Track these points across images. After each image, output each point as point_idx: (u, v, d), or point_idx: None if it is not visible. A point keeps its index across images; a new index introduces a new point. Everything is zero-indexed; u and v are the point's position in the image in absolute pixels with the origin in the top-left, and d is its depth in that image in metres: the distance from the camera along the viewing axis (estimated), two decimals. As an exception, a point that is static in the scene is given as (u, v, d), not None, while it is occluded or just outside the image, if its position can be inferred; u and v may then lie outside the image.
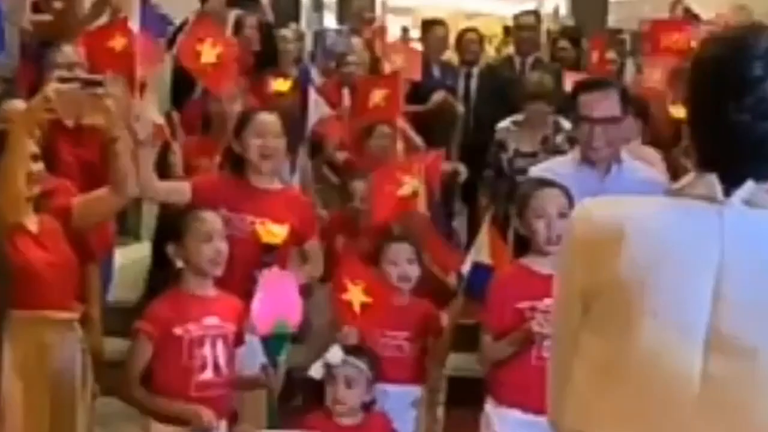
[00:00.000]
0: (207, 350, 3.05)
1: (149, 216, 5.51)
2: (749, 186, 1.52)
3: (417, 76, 5.53)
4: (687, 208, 1.55)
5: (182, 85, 5.35)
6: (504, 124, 5.28)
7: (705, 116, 1.56)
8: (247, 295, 3.21)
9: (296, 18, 11.75)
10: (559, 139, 5.06)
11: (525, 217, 3.21)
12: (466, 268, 3.81)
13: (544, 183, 3.27)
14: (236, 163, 3.65)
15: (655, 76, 5.40)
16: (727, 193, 1.53)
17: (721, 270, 1.50)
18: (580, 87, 3.64)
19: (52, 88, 2.85)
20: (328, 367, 3.18)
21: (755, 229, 1.53)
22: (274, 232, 3.39)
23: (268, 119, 3.64)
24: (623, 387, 1.53)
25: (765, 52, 1.52)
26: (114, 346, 3.57)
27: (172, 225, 3.22)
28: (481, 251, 3.75)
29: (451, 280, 4.01)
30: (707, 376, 1.50)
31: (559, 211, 3.14)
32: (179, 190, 3.54)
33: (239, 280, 3.25)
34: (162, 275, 3.31)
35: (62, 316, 3.00)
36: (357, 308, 3.38)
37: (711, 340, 1.50)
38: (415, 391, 3.59)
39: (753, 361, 1.49)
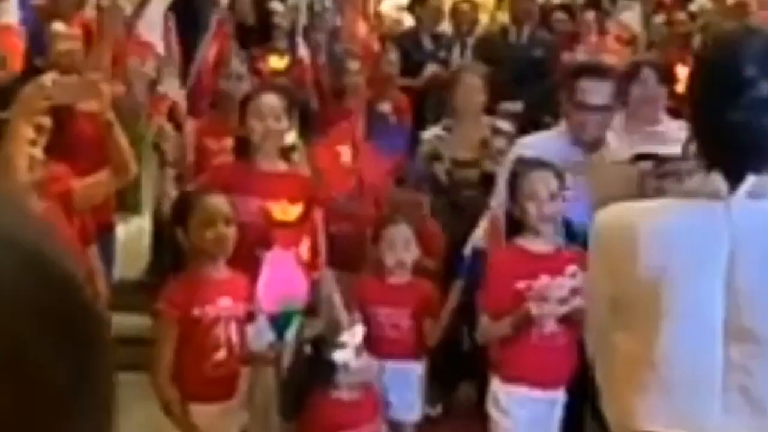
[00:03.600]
0: (221, 331, 3.09)
1: (147, 190, 5.52)
2: (751, 180, 1.60)
3: None
4: (695, 208, 1.64)
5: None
6: (432, 132, 4.77)
7: (705, 116, 1.66)
8: (254, 278, 3.24)
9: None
10: (501, 142, 4.45)
11: (517, 198, 3.24)
12: (467, 251, 3.83)
13: (535, 164, 3.30)
14: (242, 146, 3.68)
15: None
16: (732, 188, 1.61)
17: (731, 262, 1.60)
18: (581, 71, 3.68)
19: (48, 76, 2.86)
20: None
21: (761, 220, 1.63)
22: (288, 210, 3.43)
23: (268, 102, 3.65)
24: (653, 380, 1.64)
25: (757, 54, 1.61)
26: (122, 321, 3.61)
27: (179, 209, 3.25)
28: (481, 237, 3.78)
29: (430, 262, 4.01)
30: (728, 364, 1.60)
31: (550, 191, 3.18)
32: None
33: (246, 263, 3.27)
34: (165, 251, 3.33)
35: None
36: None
37: (729, 330, 1.60)
38: (415, 367, 3.64)
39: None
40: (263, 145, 3.61)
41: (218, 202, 3.17)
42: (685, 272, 1.62)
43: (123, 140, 3.05)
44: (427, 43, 6.53)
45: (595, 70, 3.67)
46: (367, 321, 3.44)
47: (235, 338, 3.13)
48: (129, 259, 5.05)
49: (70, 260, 0.60)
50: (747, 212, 1.61)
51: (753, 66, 1.60)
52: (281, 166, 3.72)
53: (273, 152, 3.66)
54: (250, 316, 3.24)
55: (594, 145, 3.55)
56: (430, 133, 4.76)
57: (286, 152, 3.87)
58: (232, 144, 3.91)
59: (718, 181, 1.62)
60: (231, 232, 3.14)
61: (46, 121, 2.94)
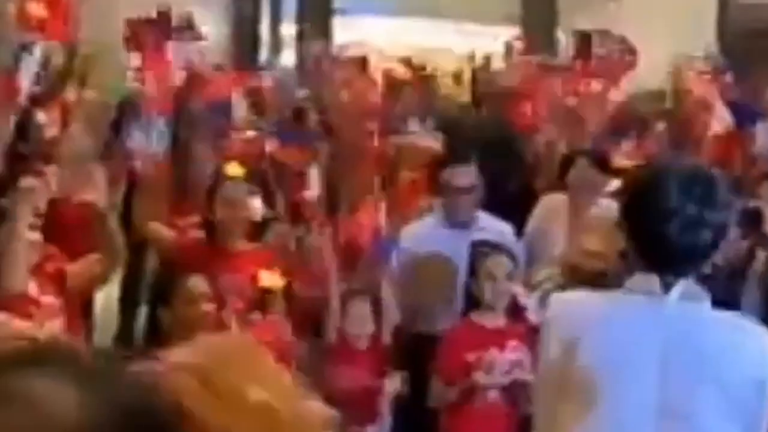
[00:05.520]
0: None
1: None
2: (683, 283, 1.87)
3: None
4: (634, 305, 1.90)
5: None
6: None
7: (639, 234, 1.92)
8: None
9: (255, 57, 12.15)
10: None
11: (477, 277, 3.64)
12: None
13: (493, 248, 3.73)
14: (209, 226, 3.99)
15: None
16: (667, 288, 1.87)
17: (664, 356, 1.85)
18: (441, 161, 4.27)
19: (51, 170, 3.19)
20: None
21: (691, 320, 1.88)
22: (274, 278, 3.73)
23: (234, 190, 3.97)
24: None
25: (680, 183, 1.85)
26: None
27: (161, 288, 3.53)
28: None
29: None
30: None
31: (505, 273, 3.61)
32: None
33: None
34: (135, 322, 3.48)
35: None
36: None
37: (661, 411, 1.84)
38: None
39: (694, 425, 1.86)
40: (232, 231, 3.91)
41: (199, 283, 3.46)
42: (624, 363, 1.85)
43: (114, 228, 3.36)
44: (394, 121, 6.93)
45: (459, 158, 4.21)
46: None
47: None
48: (99, 329, 5.26)
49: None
50: (678, 312, 1.85)
51: (676, 196, 1.83)
52: (247, 245, 4.00)
53: (240, 236, 3.96)
54: None
55: (466, 224, 4.03)
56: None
57: (256, 230, 4.20)
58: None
59: (654, 281, 1.86)
60: (211, 310, 3.44)
61: (44, 207, 3.27)
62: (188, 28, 5.90)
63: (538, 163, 5.95)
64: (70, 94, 5.32)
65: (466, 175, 4.07)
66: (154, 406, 0.87)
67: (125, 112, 5.98)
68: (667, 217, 1.82)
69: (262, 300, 3.73)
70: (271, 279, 3.75)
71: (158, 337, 3.48)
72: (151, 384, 0.92)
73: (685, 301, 1.86)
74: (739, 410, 1.84)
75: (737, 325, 1.95)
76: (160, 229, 4.31)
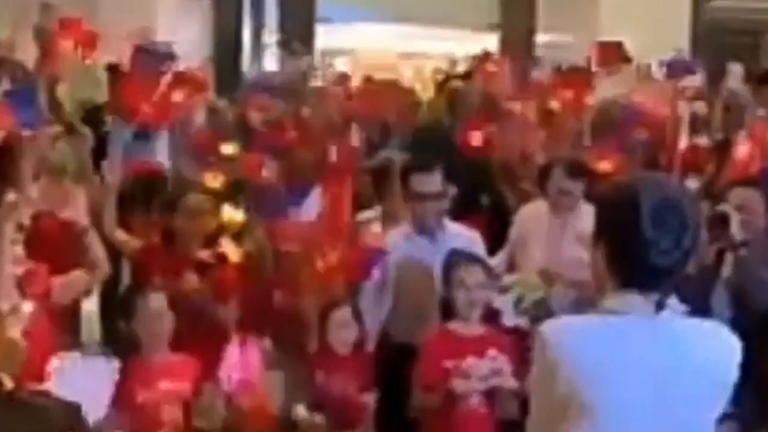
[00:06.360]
0: (166, 413, 3.40)
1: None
2: (668, 301, 1.97)
3: None
4: (620, 325, 1.97)
5: None
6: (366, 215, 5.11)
7: (615, 258, 2.00)
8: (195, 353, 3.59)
9: (237, 65, 12.22)
10: None
11: (451, 286, 3.72)
12: None
13: (465, 258, 3.81)
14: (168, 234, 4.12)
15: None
16: (649, 303, 1.95)
17: (657, 374, 1.94)
18: (409, 167, 4.29)
19: (33, 187, 3.26)
20: None
21: (680, 336, 1.97)
22: (234, 249, 3.89)
23: (197, 201, 4.13)
24: None
25: (654, 216, 1.95)
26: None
27: (125, 305, 3.63)
28: None
29: None
30: None
31: (478, 283, 3.68)
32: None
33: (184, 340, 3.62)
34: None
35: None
36: None
37: (658, 420, 1.94)
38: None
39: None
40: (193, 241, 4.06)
41: (158, 301, 3.54)
42: (618, 383, 1.93)
43: (97, 243, 3.45)
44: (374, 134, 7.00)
45: (421, 165, 4.25)
46: None
47: (180, 418, 3.44)
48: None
49: None
50: (671, 327, 1.96)
51: (652, 230, 1.91)
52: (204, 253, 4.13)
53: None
54: (196, 392, 3.54)
55: (434, 231, 4.12)
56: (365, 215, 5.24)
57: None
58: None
59: (638, 300, 1.96)
60: (168, 327, 3.52)
61: (26, 222, 3.34)
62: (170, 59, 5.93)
63: (511, 176, 6.04)
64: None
65: (431, 182, 4.13)
66: None
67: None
68: (643, 248, 1.94)
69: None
70: (230, 248, 3.86)
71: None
72: None
73: (667, 314, 1.99)
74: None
75: (714, 330, 2.07)
76: (125, 237, 4.34)
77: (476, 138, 6.19)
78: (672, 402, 1.96)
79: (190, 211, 4.08)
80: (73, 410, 2.68)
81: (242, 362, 3.82)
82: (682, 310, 2.04)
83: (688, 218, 1.96)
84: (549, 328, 2.04)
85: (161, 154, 5.90)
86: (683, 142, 6.14)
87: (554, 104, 6.85)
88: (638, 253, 1.94)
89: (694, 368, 1.97)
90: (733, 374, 2.01)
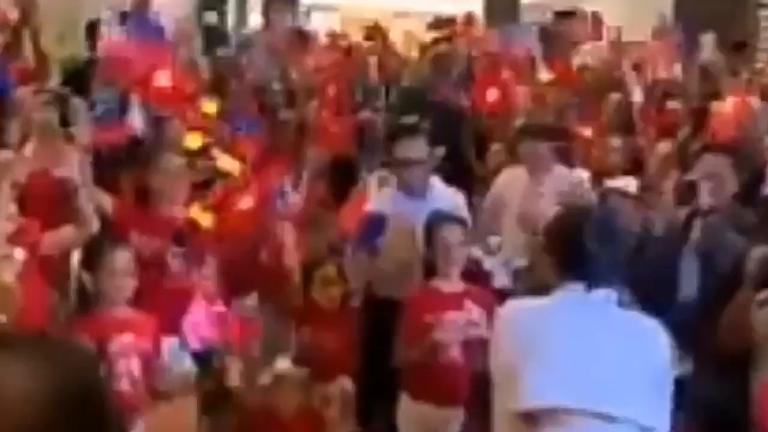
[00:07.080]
0: (123, 365, 3.41)
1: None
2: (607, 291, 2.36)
3: None
4: (561, 304, 2.37)
5: None
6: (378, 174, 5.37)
7: (565, 261, 2.41)
8: (157, 311, 3.62)
9: (222, 23, 12.18)
10: None
11: (432, 245, 3.86)
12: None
13: (446, 218, 3.95)
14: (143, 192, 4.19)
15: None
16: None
17: (592, 349, 2.27)
18: (394, 133, 4.48)
19: (29, 147, 3.36)
20: None
21: (616, 319, 2.35)
22: (205, 215, 4.00)
23: (171, 161, 4.22)
24: None
25: (596, 236, 2.39)
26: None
27: (88, 257, 3.65)
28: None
29: None
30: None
31: (458, 241, 3.84)
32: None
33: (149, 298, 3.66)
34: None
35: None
36: None
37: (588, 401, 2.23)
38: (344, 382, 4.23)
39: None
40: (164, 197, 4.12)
41: (123, 253, 3.54)
42: (550, 353, 2.25)
43: (86, 202, 3.55)
44: (359, 94, 7.09)
45: (405, 130, 4.38)
46: None
47: (137, 372, 3.45)
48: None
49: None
50: (604, 311, 2.33)
51: (594, 247, 2.36)
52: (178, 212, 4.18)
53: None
54: (156, 351, 3.57)
55: (421, 194, 4.29)
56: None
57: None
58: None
59: (579, 288, 2.34)
60: (131, 283, 3.51)
61: (22, 180, 3.44)
62: None
63: (486, 140, 6.22)
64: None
65: (416, 148, 4.28)
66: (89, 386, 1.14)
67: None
68: (587, 260, 2.37)
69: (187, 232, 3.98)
70: (200, 214, 3.98)
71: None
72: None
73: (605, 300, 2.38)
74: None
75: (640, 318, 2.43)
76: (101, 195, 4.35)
77: (493, 95, 6.38)
78: (596, 358, 2.26)
79: (165, 170, 4.14)
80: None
81: (208, 320, 3.96)
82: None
83: (621, 232, 2.52)
84: (504, 307, 2.47)
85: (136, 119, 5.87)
86: (637, 97, 6.37)
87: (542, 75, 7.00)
88: (582, 262, 2.37)
89: (616, 330, 2.32)
90: (660, 358, 2.33)
